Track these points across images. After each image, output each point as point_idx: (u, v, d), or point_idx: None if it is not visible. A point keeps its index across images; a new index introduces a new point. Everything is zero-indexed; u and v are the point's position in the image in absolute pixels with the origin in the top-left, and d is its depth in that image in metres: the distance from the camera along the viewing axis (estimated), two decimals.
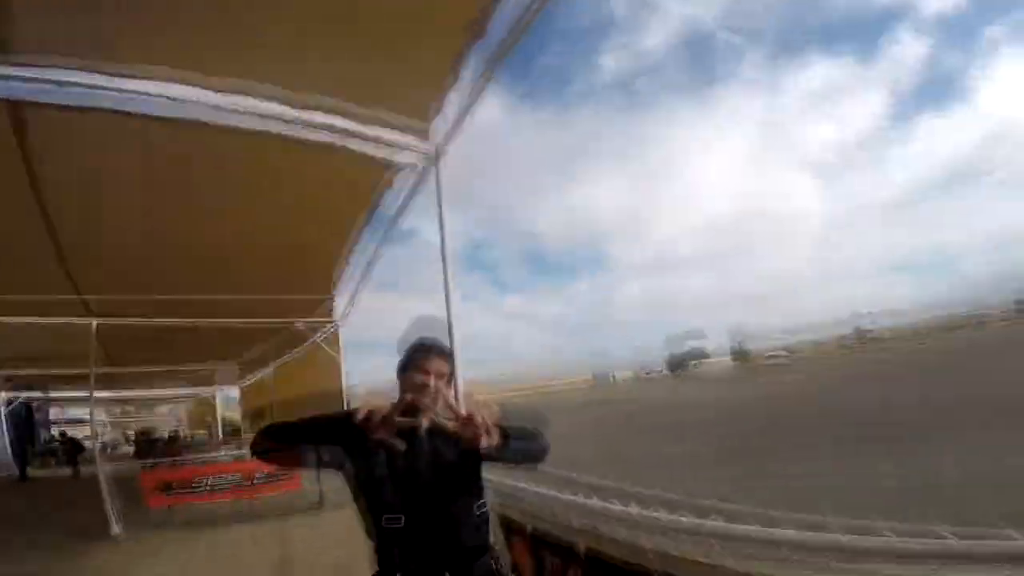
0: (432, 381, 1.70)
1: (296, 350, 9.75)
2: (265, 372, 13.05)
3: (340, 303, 6.83)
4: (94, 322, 6.24)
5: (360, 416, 1.44)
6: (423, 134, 2.65)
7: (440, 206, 2.80)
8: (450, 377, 1.77)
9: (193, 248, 4.16)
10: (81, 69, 1.93)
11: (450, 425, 1.58)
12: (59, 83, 1.94)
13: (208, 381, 16.29)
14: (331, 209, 3.52)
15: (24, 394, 16.61)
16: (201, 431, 21.78)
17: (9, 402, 16.10)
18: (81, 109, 2.16)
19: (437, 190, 2.82)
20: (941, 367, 28.00)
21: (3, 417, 15.80)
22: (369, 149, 2.61)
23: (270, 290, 5.70)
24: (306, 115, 2.32)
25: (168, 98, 2.06)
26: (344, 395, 8.08)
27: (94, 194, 3.14)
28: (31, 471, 15.41)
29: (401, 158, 2.76)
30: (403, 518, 1.63)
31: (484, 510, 1.80)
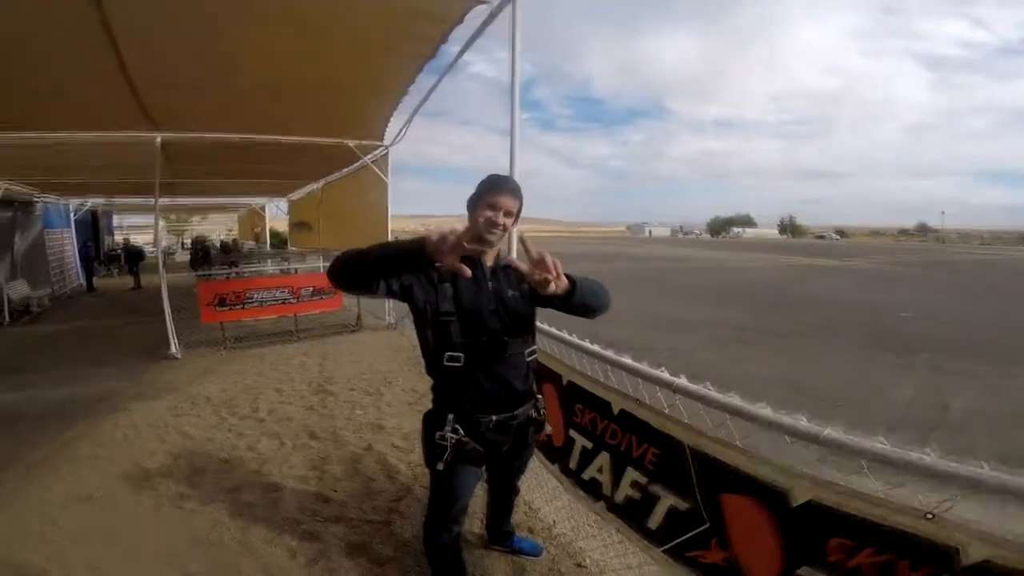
0: (501, 217, 1.70)
1: (346, 169, 10.03)
2: (314, 187, 13.49)
3: (393, 127, 6.87)
4: (159, 136, 6.53)
5: (432, 240, 1.39)
6: None
7: (513, 49, 2.76)
8: (517, 217, 1.79)
9: (254, 64, 4.14)
10: None
11: (519, 266, 1.56)
12: None
13: (256, 191, 16.64)
14: (398, 38, 3.43)
15: (91, 200, 16.81)
16: (250, 241, 22.34)
17: (76, 211, 16.41)
18: None
19: (512, 28, 2.75)
20: (984, 274, 27.01)
21: (73, 225, 16.12)
22: None
23: (325, 108, 5.72)
24: None
25: None
26: (388, 216, 8.47)
27: (157, 10, 3.10)
28: (96, 281, 15.87)
29: None
30: (463, 357, 1.70)
31: (534, 356, 1.89)
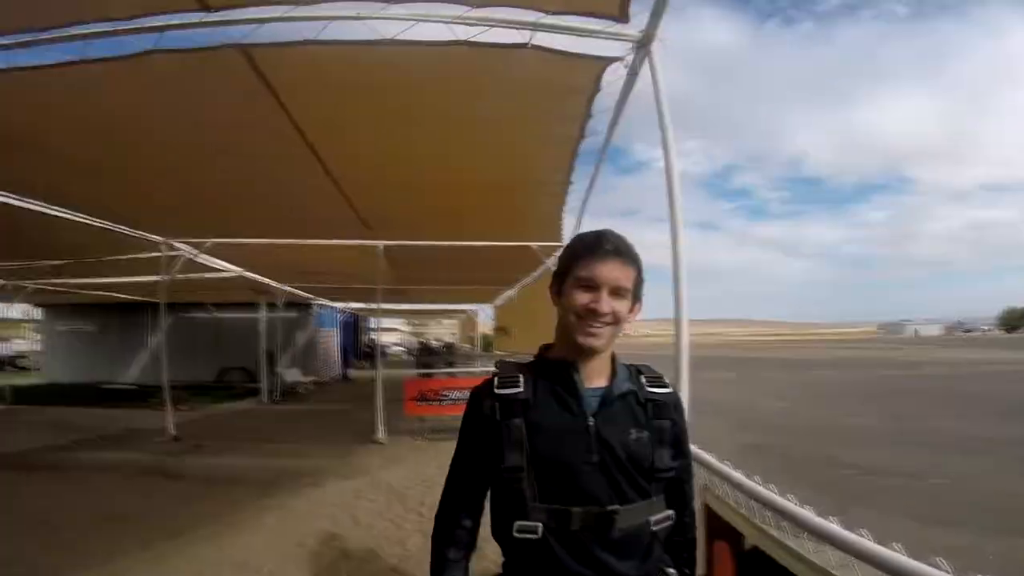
0: (606, 301, 1.11)
1: (535, 272, 10.52)
2: (510, 292, 14.51)
3: (568, 223, 6.98)
4: (382, 244, 7.80)
5: (486, 380, 1.14)
6: (620, 14, 2.31)
7: (659, 103, 2.47)
8: (636, 298, 1.17)
9: (431, 170, 4.63)
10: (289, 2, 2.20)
11: (646, 384, 1.16)
12: (281, 19, 2.23)
13: (469, 298, 18.79)
14: (541, 123, 3.47)
15: (352, 304, 20.77)
16: (466, 344, 25.27)
17: (341, 313, 20.64)
18: (298, 43, 2.39)
19: (654, 84, 2.50)
20: None
21: (338, 325, 20.38)
22: (560, 41, 2.41)
23: (504, 212, 6.09)
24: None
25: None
26: None
27: (350, 127, 3.63)
28: (351, 373, 19.80)
29: (598, 49, 2.50)
30: (541, 528, 1.10)
31: (667, 524, 1.19)
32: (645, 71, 2.58)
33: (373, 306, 8.83)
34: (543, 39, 2.38)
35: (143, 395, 12.14)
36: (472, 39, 2.33)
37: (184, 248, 7.68)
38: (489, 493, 1.21)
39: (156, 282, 8.25)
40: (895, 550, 1.04)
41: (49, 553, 3.83)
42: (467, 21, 2.27)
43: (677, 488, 1.21)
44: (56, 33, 2.33)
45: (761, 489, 1.66)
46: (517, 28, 2.34)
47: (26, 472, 6.26)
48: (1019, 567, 3.97)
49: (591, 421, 1.11)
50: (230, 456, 7.17)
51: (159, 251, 7.50)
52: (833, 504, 5.39)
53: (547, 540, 1.09)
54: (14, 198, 4.90)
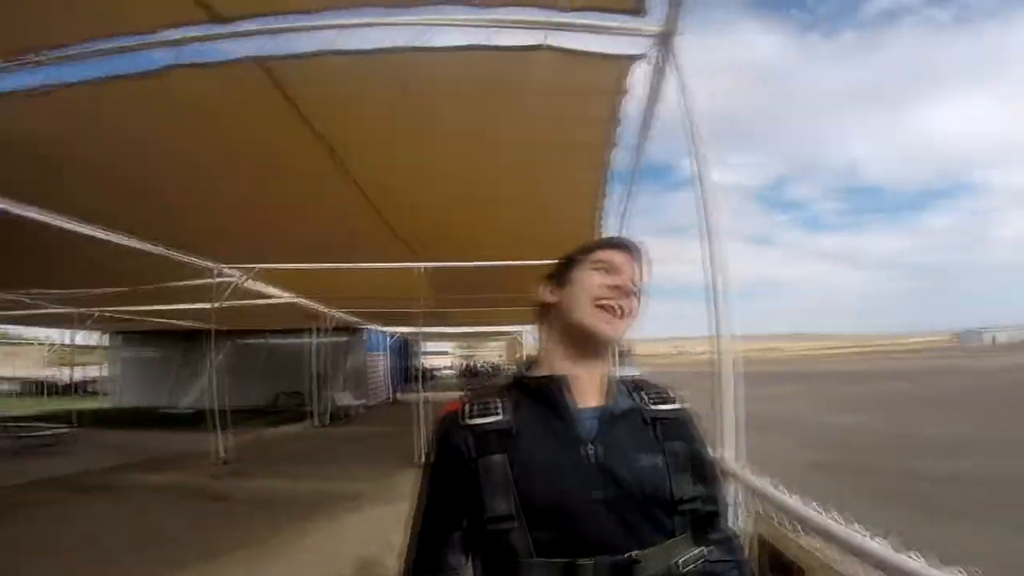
0: (628, 279, 0.98)
1: None
2: None
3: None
4: (423, 266, 7.83)
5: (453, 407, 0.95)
6: (635, 7, 2.17)
7: (687, 102, 2.31)
8: (638, 301, 1.02)
9: (468, 188, 4.58)
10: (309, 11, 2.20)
11: (648, 400, 0.99)
12: (298, 29, 2.24)
13: (514, 319, 18.90)
14: (568, 130, 3.34)
15: (401, 329, 20.72)
16: (512, 366, 25.43)
17: (392, 336, 20.99)
18: (313, 54, 2.37)
19: (679, 79, 2.34)
20: None
21: (388, 349, 20.73)
22: (575, 41, 2.30)
23: (538, 227, 5.96)
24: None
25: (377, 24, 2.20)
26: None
27: (373, 141, 3.59)
28: (400, 395, 20.29)
29: (617, 47, 2.37)
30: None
31: (700, 565, 0.95)
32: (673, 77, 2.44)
33: (419, 329, 8.80)
34: (557, 39, 2.29)
35: (199, 419, 12.74)
36: (485, 43, 2.27)
37: (233, 274, 7.97)
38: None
39: (208, 309, 8.58)
40: None
41: (85, 570, 3.94)
42: (479, 23, 2.21)
43: (709, 522, 0.99)
44: (73, 50, 2.41)
45: (825, 520, 1.36)
46: (528, 28, 2.25)
47: (81, 493, 6.56)
48: None
49: (591, 449, 0.91)
50: (276, 479, 7.33)
51: (210, 277, 7.77)
52: (921, 521, 4.89)
53: None
54: (70, 221, 5.10)
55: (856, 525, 1.25)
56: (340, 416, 14.56)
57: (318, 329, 14.31)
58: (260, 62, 2.45)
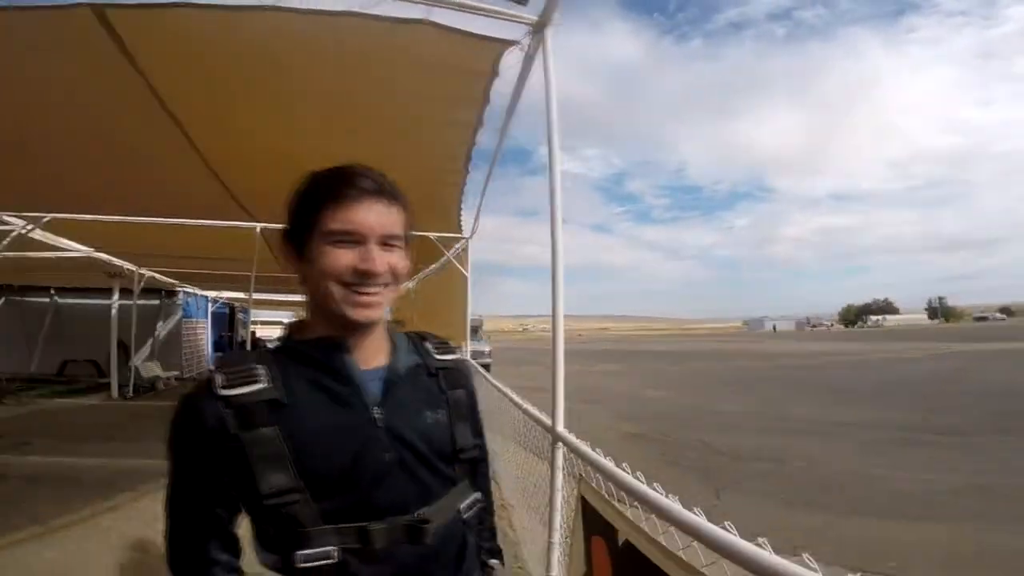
0: (377, 258, 0.86)
1: (434, 265, 10.25)
2: (409, 285, 14.08)
3: (467, 217, 6.85)
4: (258, 226, 7.09)
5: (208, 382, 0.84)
6: None
7: (548, 90, 2.43)
8: (407, 244, 0.93)
9: (326, 152, 4.28)
10: None
11: (432, 351, 1.01)
12: None
13: None
14: (441, 108, 3.33)
15: (226, 295, 18.45)
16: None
17: (216, 301, 18.40)
18: (163, 5, 2.10)
19: (544, 67, 2.44)
20: None
21: (209, 316, 18.24)
22: (458, 20, 2.29)
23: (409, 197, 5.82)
24: None
25: None
26: (469, 314, 8.23)
27: (219, 99, 3.23)
28: None
29: (496, 30, 2.42)
30: (337, 551, 0.82)
31: (477, 507, 1.02)
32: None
33: (249, 295, 7.96)
34: (441, 16, 2.25)
35: None
36: (365, 10, 2.13)
37: (15, 222, 6.45)
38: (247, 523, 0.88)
39: None
40: (760, 545, 1.02)
41: None
42: None
43: (477, 468, 1.05)
44: None
45: (629, 479, 1.54)
46: (412, 2, 2.18)
47: None
48: (863, 546, 4.52)
49: (377, 413, 0.87)
50: (64, 456, 6.28)
51: None
52: (710, 490, 5.99)
53: (346, 565, 0.82)
54: None
55: (656, 485, 1.47)
56: (147, 388, 12.76)
57: (123, 290, 12.24)
58: (94, 6, 2.04)
